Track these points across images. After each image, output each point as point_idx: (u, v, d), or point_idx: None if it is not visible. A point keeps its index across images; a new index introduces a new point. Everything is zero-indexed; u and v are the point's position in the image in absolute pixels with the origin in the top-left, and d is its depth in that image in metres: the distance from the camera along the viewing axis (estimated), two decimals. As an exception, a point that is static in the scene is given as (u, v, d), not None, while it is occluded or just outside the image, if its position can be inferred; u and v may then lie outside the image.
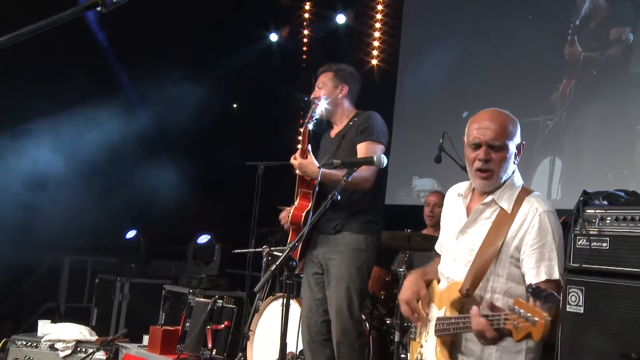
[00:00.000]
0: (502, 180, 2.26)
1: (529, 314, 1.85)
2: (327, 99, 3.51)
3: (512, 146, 2.26)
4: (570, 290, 2.98)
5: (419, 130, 5.76)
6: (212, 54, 6.74)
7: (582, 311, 2.93)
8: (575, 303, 2.97)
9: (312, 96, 3.65)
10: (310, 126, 3.40)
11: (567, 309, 2.98)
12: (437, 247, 2.61)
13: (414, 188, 5.88)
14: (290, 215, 3.50)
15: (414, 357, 2.43)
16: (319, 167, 3.19)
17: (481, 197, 2.32)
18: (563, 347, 2.96)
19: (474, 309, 2.03)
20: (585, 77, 4.71)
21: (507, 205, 2.24)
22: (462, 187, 2.43)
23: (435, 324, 2.26)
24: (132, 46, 6.48)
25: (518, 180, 2.32)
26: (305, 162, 3.36)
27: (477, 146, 2.26)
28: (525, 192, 2.28)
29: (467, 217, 2.33)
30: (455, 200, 2.43)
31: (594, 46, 4.66)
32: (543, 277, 2.19)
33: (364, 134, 3.44)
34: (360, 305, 3.40)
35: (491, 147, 2.23)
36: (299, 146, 3.48)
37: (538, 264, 2.19)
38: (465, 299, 2.19)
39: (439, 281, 2.43)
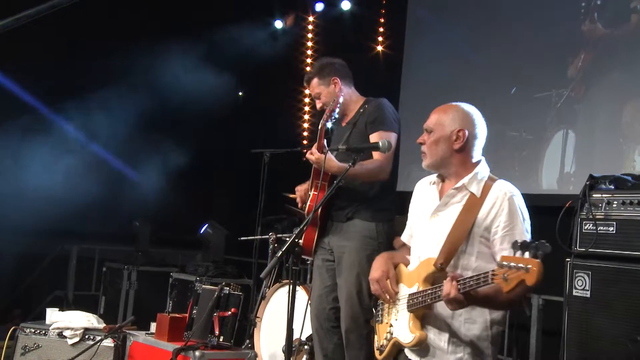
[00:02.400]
0: (435, 160, 2.50)
1: (520, 264, 1.98)
2: (337, 97, 3.44)
3: (442, 130, 2.48)
4: (576, 275, 2.98)
5: (425, 110, 5.74)
6: (217, 42, 6.72)
7: (588, 295, 2.92)
8: (582, 287, 2.97)
9: (318, 108, 3.65)
10: (329, 124, 3.37)
11: (574, 294, 2.98)
12: (404, 237, 2.75)
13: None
14: (307, 208, 3.50)
15: (382, 338, 2.53)
16: (324, 152, 3.17)
17: (451, 183, 2.50)
18: (570, 332, 2.96)
19: (449, 276, 2.23)
20: (599, 49, 4.69)
21: (476, 189, 2.42)
22: (432, 177, 2.62)
23: (408, 300, 2.41)
24: (137, 34, 6.47)
25: (484, 169, 2.49)
26: (322, 157, 3.29)
27: None
28: (491, 179, 2.47)
29: (440, 201, 2.49)
30: (427, 188, 2.62)
31: (610, 19, 4.65)
32: None
33: (375, 124, 3.42)
34: (369, 293, 3.39)
35: (426, 131, 2.54)
36: (309, 142, 3.48)
37: (509, 245, 2.28)
38: (439, 273, 2.35)
39: (406, 265, 2.59)
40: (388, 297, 2.49)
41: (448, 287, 2.18)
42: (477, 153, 2.51)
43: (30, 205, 5.77)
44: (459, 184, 2.44)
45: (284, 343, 2.80)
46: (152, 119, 6.59)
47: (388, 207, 3.48)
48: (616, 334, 2.78)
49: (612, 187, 2.99)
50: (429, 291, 2.32)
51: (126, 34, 6.48)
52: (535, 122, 5.06)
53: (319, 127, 3.37)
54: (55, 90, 6.22)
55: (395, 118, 3.49)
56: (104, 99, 6.28)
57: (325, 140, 3.38)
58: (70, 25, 5.90)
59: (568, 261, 3.00)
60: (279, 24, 7.54)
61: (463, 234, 2.36)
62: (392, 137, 3.39)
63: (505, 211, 2.35)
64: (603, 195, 2.97)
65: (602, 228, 2.93)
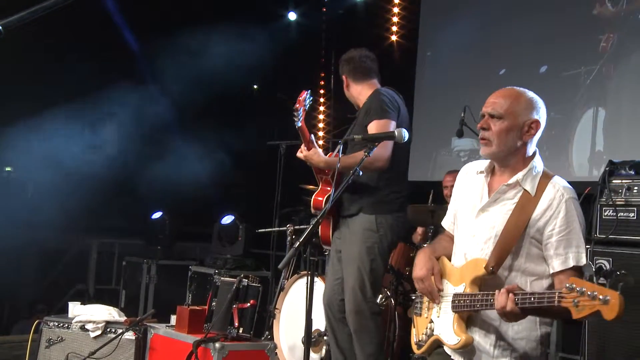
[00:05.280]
0: (502, 150, 2.30)
1: (596, 292, 1.84)
2: (302, 95, 3.39)
3: (515, 119, 2.28)
4: (597, 262, 2.95)
5: (446, 95, 5.79)
6: (230, 35, 6.73)
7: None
8: (598, 282, 2.94)
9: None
10: (300, 123, 3.34)
11: (594, 281, 2.95)
12: (445, 224, 2.60)
13: (453, 148, 5.91)
14: (312, 201, 3.53)
15: (420, 333, 2.44)
16: (340, 142, 3.17)
17: (502, 176, 2.35)
18: (591, 320, 2.94)
19: (503, 288, 2.09)
20: (627, 25, 4.63)
21: (530, 187, 2.27)
22: (481, 164, 2.45)
23: (453, 300, 2.28)
24: (149, 27, 6.50)
25: (539, 165, 2.33)
26: (310, 154, 3.39)
27: (482, 117, 2.35)
28: (546, 176, 2.30)
29: (489, 196, 2.34)
30: (474, 177, 2.44)
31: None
32: (571, 264, 2.20)
33: (370, 115, 3.42)
34: (372, 285, 3.38)
35: (491, 116, 2.30)
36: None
37: (566, 251, 2.20)
38: (488, 276, 2.23)
39: (448, 258, 2.46)
40: (433, 295, 2.37)
41: (504, 300, 2.04)
42: (534, 145, 2.35)
43: (52, 200, 5.84)
44: (512, 180, 2.28)
45: (303, 334, 2.81)
46: (168, 114, 6.63)
47: (391, 198, 3.44)
48: (638, 321, 2.75)
49: (632, 172, 2.95)
50: (479, 297, 2.18)
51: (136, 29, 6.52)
52: (565, 100, 5.01)
53: (298, 128, 3.36)
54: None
55: (392, 106, 3.42)
56: (122, 93, 6.32)
57: (312, 135, 3.40)
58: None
59: (588, 248, 2.96)
60: (292, 16, 7.52)
61: (517, 235, 2.23)
62: (389, 124, 3.35)
63: (561, 214, 2.20)
64: (623, 181, 2.94)
65: (622, 214, 2.90)
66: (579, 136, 4.89)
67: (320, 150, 3.39)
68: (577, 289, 1.87)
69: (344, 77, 3.67)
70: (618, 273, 1.84)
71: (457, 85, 5.75)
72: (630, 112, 4.57)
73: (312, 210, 3.60)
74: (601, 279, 1.82)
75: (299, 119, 3.32)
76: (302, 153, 3.43)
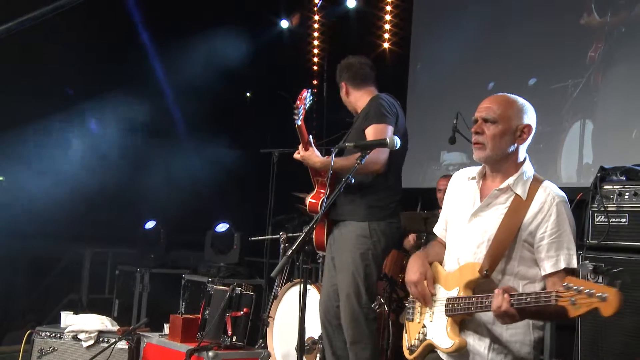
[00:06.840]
0: (496, 154, 2.33)
1: (593, 290, 1.87)
2: (302, 94, 3.35)
3: (508, 123, 2.32)
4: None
5: (437, 108, 5.82)
6: (222, 43, 6.74)
7: (601, 288, 2.91)
8: (595, 280, 2.94)
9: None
10: (299, 122, 3.33)
11: (589, 280, 2.95)
12: (437, 230, 2.62)
13: (442, 162, 5.92)
14: (307, 203, 3.53)
15: (413, 338, 2.45)
16: (332, 150, 3.17)
17: (494, 182, 2.38)
18: (583, 325, 2.94)
19: (499, 289, 2.12)
20: (613, 37, 4.67)
21: (522, 191, 2.30)
22: (472, 171, 2.48)
23: (446, 304, 2.30)
24: (138, 36, 6.51)
25: (529, 170, 2.37)
26: (307, 154, 3.38)
27: (475, 122, 2.38)
28: (537, 180, 2.34)
29: (481, 201, 2.37)
30: (466, 183, 2.47)
31: (621, 5, 4.63)
32: (562, 266, 2.23)
33: (368, 119, 3.43)
34: (367, 291, 3.38)
35: (485, 121, 2.34)
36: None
37: (557, 253, 2.23)
38: (483, 280, 2.25)
39: (440, 263, 2.48)
40: (426, 300, 2.40)
41: (499, 301, 2.07)
42: (525, 151, 2.38)
43: (44, 209, 5.82)
44: (503, 185, 2.32)
45: (296, 342, 2.80)
46: (160, 120, 6.61)
47: (383, 205, 3.45)
48: (630, 327, 2.76)
49: (623, 178, 2.96)
50: (474, 300, 2.21)
51: (125, 36, 6.50)
52: (552, 113, 5.03)
53: (297, 127, 3.35)
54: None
55: (390, 111, 3.44)
56: (114, 101, 6.31)
57: (310, 136, 3.39)
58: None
59: (580, 253, 2.97)
60: (285, 24, 7.54)
61: (509, 238, 2.25)
62: (386, 129, 3.36)
63: (553, 217, 2.24)
64: (614, 187, 2.95)
65: (614, 220, 2.91)
66: (566, 149, 4.93)
67: (317, 151, 3.37)
68: (574, 287, 1.90)
69: (342, 83, 3.66)
70: (614, 270, 1.86)
71: (447, 98, 5.76)
72: (616, 122, 4.60)
73: (308, 212, 3.60)
74: (599, 277, 1.85)
75: (299, 117, 3.31)
76: (299, 154, 3.42)
